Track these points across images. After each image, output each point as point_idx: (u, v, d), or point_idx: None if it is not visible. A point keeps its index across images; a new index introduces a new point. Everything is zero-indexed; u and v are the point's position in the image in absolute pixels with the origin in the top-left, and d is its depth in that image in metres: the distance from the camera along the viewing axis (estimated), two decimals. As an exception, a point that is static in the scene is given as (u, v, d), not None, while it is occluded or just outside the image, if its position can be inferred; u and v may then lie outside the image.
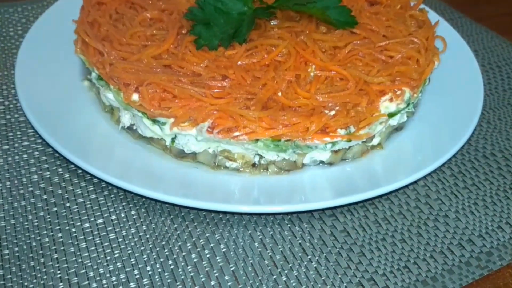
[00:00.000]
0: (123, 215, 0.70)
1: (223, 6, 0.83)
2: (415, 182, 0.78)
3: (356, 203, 0.73)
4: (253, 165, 0.73)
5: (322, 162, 0.74)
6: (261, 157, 0.72)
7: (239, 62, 0.76)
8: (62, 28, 0.93)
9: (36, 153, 0.79)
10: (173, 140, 0.72)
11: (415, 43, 0.82)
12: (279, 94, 0.71)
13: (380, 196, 0.75)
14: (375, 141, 0.77)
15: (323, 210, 0.72)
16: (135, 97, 0.71)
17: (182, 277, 0.64)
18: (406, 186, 0.76)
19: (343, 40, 0.82)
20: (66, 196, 0.73)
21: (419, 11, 0.93)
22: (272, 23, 0.85)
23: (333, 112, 0.70)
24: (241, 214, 0.71)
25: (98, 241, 0.67)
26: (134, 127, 0.76)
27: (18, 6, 1.14)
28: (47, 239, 0.67)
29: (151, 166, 0.71)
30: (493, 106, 0.96)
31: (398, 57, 0.80)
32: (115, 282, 0.63)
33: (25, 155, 0.79)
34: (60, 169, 0.76)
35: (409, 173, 0.73)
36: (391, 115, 0.74)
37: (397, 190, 0.76)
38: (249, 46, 0.79)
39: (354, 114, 0.70)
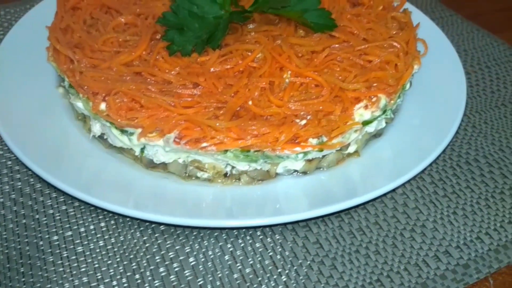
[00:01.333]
0: (92, 227, 0.69)
1: (198, 10, 0.81)
2: (393, 190, 0.76)
3: (331, 213, 0.71)
4: (225, 175, 0.71)
5: (296, 171, 0.73)
6: (232, 167, 0.71)
7: (211, 69, 0.75)
8: (41, 32, 0.91)
9: (9, 162, 0.78)
10: (142, 150, 0.71)
11: (394, 47, 0.80)
12: (250, 103, 0.69)
13: (357, 206, 0.73)
14: (351, 149, 0.75)
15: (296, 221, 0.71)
16: (103, 106, 0.70)
17: (148, 291, 0.63)
18: (384, 194, 0.74)
19: (321, 44, 0.80)
20: (36, 208, 0.72)
21: (403, 12, 0.91)
22: (249, 27, 0.84)
23: (304, 122, 0.68)
24: (212, 226, 0.70)
25: (65, 255, 0.66)
26: (105, 137, 0.75)
27: (1, 9, 1.13)
28: (14, 252, 0.66)
29: (121, 178, 0.70)
30: (479, 109, 0.93)
31: (377, 61, 0.78)
32: (79, 297, 0.62)
33: (-4, 165, 0.78)
34: (31, 179, 0.75)
35: (386, 182, 0.71)
36: (365, 123, 0.72)
37: (374, 199, 0.74)
38: (224, 52, 0.77)
39: (325, 123, 0.68)
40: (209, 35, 0.79)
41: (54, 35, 0.79)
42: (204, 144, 0.65)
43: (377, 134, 0.79)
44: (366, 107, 0.72)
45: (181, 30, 0.78)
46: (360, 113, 0.72)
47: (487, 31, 1.15)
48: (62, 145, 0.75)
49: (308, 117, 0.69)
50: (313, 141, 0.68)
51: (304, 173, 0.73)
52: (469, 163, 0.82)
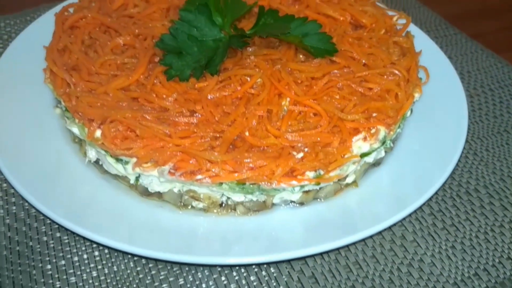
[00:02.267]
0: (85, 256, 0.69)
1: (198, 33, 0.80)
2: (392, 222, 0.75)
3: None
4: (221, 205, 0.71)
5: (292, 201, 0.72)
6: (228, 197, 0.70)
7: (209, 96, 0.74)
8: (39, 49, 0.89)
9: (4, 185, 0.77)
10: (137, 178, 0.70)
11: (395, 75, 0.78)
12: (247, 133, 0.68)
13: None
14: (349, 179, 0.74)
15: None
16: (98, 133, 0.69)
17: (140, 326, 0.62)
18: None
19: (321, 70, 0.78)
20: (30, 234, 0.71)
21: (405, 35, 0.90)
22: (249, 50, 0.82)
23: (301, 154, 0.67)
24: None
25: (58, 285, 0.66)
26: (100, 162, 0.74)
27: (1, 20, 1.12)
28: (7, 281, 0.66)
29: (115, 207, 0.69)
30: (481, 135, 0.92)
31: (377, 90, 0.76)
32: (71, 331, 0.61)
33: (-8, 188, 0.77)
34: (26, 204, 0.75)
35: (386, 216, 0.69)
36: (364, 155, 0.71)
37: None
38: (222, 77, 0.76)
39: (323, 156, 0.67)
40: (208, 59, 0.78)
41: (51, 57, 0.78)
42: (199, 177, 0.65)
43: (376, 163, 0.78)
44: (365, 139, 0.71)
45: (179, 54, 0.77)
46: (359, 145, 0.71)
47: (491, 51, 1.13)
48: (57, 169, 0.74)
49: (306, 149, 0.68)
50: (310, 174, 0.67)
51: (301, 203, 0.72)
52: (469, 193, 0.81)
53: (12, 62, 0.90)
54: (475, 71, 1.07)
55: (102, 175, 0.75)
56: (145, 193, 0.71)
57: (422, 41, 0.98)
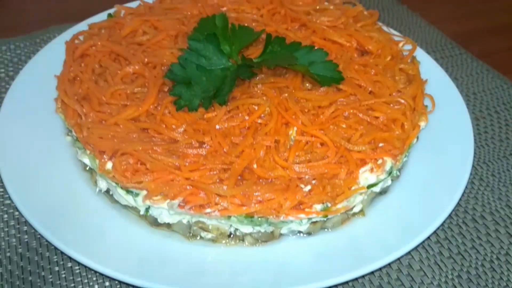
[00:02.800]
0: (96, 286, 0.70)
1: (206, 62, 0.82)
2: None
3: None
4: (229, 235, 0.72)
5: (300, 232, 0.73)
6: (236, 228, 0.71)
7: (217, 126, 0.75)
8: (50, 74, 0.91)
9: (16, 213, 0.79)
10: (147, 210, 0.71)
11: (401, 104, 0.79)
12: (255, 165, 0.69)
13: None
14: (356, 209, 0.75)
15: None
16: (109, 165, 0.70)
17: None
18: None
19: (328, 99, 0.79)
20: (42, 264, 0.72)
21: (411, 61, 0.91)
22: (256, 78, 0.83)
23: (308, 187, 0.68)
24: None
25: (69, 317, 0.67)
26: (111, 192, 0.75)
27: (11, 43, 1.13)
28: (20, 311, 0.67)
29: (124, 238, 0.71)
30: (487, 159, 0.93)
31: (383, 118, 0.77)
32: None
33: (5, 216, 0.79)
34: (38, 233, 0.76)
35: (396, 246, 0.70)
36: (370, 186, 0.72)
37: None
38: (230, 107, 0.77)
39: (330, 189, 0.68)
40: (216, 89, 0.79)
41: (62, 87, 0.80)
42: (208, 210, 0.66)
43: (383, 191, 0.79)
44: (371, 170, 0.72)
45: (188, 84, 0.79)
46: (366, 176, 0.72)
47: (497, 72, 1.14)
48: (67, 199, 0.75)
49: (313, 181, 0.69)
50: (318, 206, 0.68)
51: (309, 233, 0.73)
52: (476, 220, 0.82)
53: (22, 89, 0.91)
54: (481, 93, 1.08)
55: (112, 204, 0.76)
56: (155, 223, 0.72)
57: (428, 64, 0.99)
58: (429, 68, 0.97)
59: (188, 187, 0.67)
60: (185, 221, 0.71)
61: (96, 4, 1.30)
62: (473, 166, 0.90)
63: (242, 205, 0.66)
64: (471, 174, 0.88)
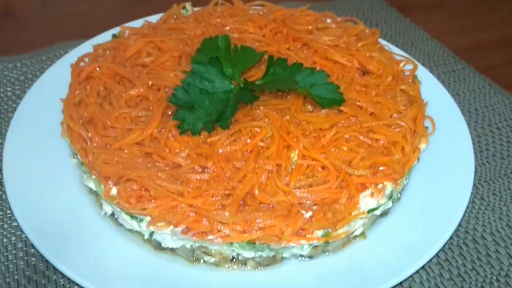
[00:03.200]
0: (102, 310, 0.71)
1: (209, 85, 0.83)
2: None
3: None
4: (232, 259, 0.73)
5: (302, 255, 0.74)
6: (238, 253, 0.72)
7: (220, 150, 0.76)
8: (59, 93, 0.92)
9: (23, 235, 0.80)
10: (151, 234, 0.73)
11: (401, 126, 0.80)
12: (256, 191, 0.70)
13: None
14: (357, 232, 0.76)
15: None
16: (114, 191, 0.72)
17: None
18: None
19: (329, 121, 0.80)
20: (49, 287, 0.74)
21: (412, 81, 0.91)
22: (258, 100, 0.85)
23: (309, 213, 0.69)
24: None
25: None
26: (115, 216, 0.77)
27: (17, 61, 1.15)
28: (27, 335, 0.69)
29: (128, 262, 0.72)
30: (488, 178, 0.93)
31: (383, 141, 0.78)
32: None
33: (13, 238, 0.80)
34: (33, 259, 0.77)
35: (397, 270, 0.71)
36: (371, 211, 0.73)
37: None
38: (233, 131, 0.78)
39: (330, 215, 0.69)
40: (219, 112, 0.80)
41: (68, 112, 0.81)
42: (211, 237, 0.67)
43: (384, 213, 0.80)
44: (372, 194, 0.73)
45: (191, 108, 0.80)
46: (366, 201, 0.73)
47: (500, 87, 1.14)
48: (72, 222, 0.76)
49: (314, 207, 0.70)
50: (319, 232, 0.69)
51: (310, 257, 0.74)
52: (476, 241, 0.82)
53: (29, 110, 0.92)
54: (483, 108, 1.08)
55: (117, 227, 0.77)
56: (159, 247, 0.74)
57: (429, 82, 0.99)
58: (431, 86, 0.98)
59: (191, 214, 0.68)
60: (188, 246, 0.72)
61: (100, 21, 1.33)
62: (474, 185, 0.91)
63: (244, 232, 0.67)
64: (472, 193, 0.89)
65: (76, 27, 1.30)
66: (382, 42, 1.07)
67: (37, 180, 0.82)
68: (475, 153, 0.97)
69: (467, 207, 0.87)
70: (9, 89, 1.08)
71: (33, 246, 0.79)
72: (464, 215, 0.85)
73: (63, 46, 1.19)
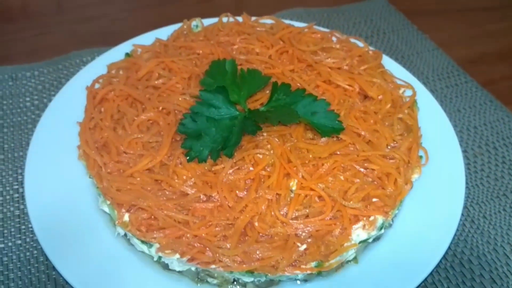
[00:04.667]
0: (114, 324, 0.79)
1: (216, 112, 0.88)
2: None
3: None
4: (233, 281, 0.80)
5: (297, 279, 0.80)
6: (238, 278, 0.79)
7: (224, 179, 0.82)
8: (78, 108, 0.96)
9: (35, 252, 0.87)
10: (160, 257, 0.79)
11: (395, 158, 0.85)
12: (256, 223, 0.76)
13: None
14: (349, 257, 0.82)
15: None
16: (126, 217, 0.78)
17: None
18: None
19: (327, 150, 0.85)
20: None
21: (410, 107, 0.95)
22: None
23: (304, 246, 0.75)
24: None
25: None
26: (128, 237, 0.83)
27: (35, 69, 1.20)
28: None
29: (138, 281, 0.79)
30: (480, 200, 0.98)
31: (377, 171, 0.83)
32: None
33: (35, 252, 0.88)
34: (53, 272, 0.85)
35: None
36: (362, 242, 0.79)
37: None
38: (237, 158, 0.84)
39: (323, 249, 0.75)
40: (224, 139, 0.85)
41: (84, 137, 0.87)
42: (213, 266, 0.74)
43: (376, 239, 0.86)
44: (363, 227, 0.78)
45: (198, 136, 0.85)
46: (358, 233, 0.78)
47: (500, 103, 1.17)
48: (88, 241, 0.83)
49: (309, 239, 0.76)
50: (312, 263, 0.75)
51: (305, 280, 0.81)
52: (462, 264, 0.88)
53: (48, 131, 0.97)
54: (482, 126, 1.12)
55: (129, 246, 0.84)
56: (167, 268, 0.81)
57: (428, 104, 1.03)
58: (430, 109, 1.02)
59: (196, 245, 0.74)
60: (193, 269, 0.79)
61: (114, 25, 1.37)
62: (465, 207, 0.96)
63: (243, 262, 0.73)
64: (463, 215, 0.95)
65: (90, 32, 1.35)
66: (386, 59, 1.10)
67: (56, 198, 0.88)
68: (469, 174, 1.02)
69: (457, 230, 0.92)
70: (28, 99, 1.14)
71: (43, 263, 0.86)
72: (453, 238, 0.91)
73: (79, 55, 1.23)
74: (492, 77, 1.26)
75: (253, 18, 1.14)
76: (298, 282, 0.81)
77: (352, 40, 1.09)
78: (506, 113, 1.14)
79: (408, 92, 0.99)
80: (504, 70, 1.28)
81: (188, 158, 0.84)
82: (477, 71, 1.25)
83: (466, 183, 0.95)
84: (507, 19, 1.43)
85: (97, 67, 1.07)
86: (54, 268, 0.85)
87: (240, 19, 1.13)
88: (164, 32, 1.13)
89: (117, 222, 0.79)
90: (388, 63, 1.09)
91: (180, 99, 0.93)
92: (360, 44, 1.08)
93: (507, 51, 1.34)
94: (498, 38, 1.37)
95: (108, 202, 0.81)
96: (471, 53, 1.32)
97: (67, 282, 0.83)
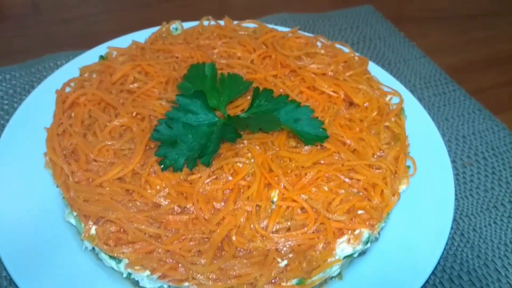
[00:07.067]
0: None
1: (193, 117, 0.83)
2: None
3: None
4: (208, 299, 0.74)
5: (277, 296, 0.75)
6: (215, 295, 0.73)
7: (200, 189, 0.76)
8: (48, 114, 0.91)
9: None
10: (129, 273, 0.74)
11: (382, 168, 0.81)
12: (234, 238, 0.71)
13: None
14: (333, 273, 0.77)
15: None
16: (93, 230, 0.73)
17: None
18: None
19: (311, 159, 0.80)
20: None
21: (397, 115, 0.91)
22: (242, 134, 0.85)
23: (285, 262, 0.70)
24: None
25: None
26: (96, 251, 0.78)
27: (6, 72, 1.15)
28: None
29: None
30: (469, 212, 0.94)
31: (363, 182, 0.79)
32: None
33: (-4, 266, 0.82)
34: None
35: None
36: (346, 257, 0.74)
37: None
38: (215, 167, 0.79)
39: (306, 265, 0.70)
40: (202, 147, 0.80)
41: (51, 144, 0.81)
42: (186, 284, 0.68)
43: (361, 253, 0.81)
44: (348, 241, 0.74)
45: (174, 143, 0.80)
46: (342, 247, 0.73)
47: (489, 112, 1.14)
48: (52, 255, 0.76)
49: (290, 254, 0.71)
50: (293, 280, 0.70)
51: (287, 297, 0.75)
52: (452, 280, 0.84)
53: (14, 138, 0.91)
54: (471, 136, 1.08)
55: (97, 261, 0.78)
56: (137, 285, 0.75)
57: (416, 112, 0.99)
58: (417, 117, 0.98)
59: (168, 261, 0.69)
60: (165, 287, 0.73)
61: (92, 28, 1.31)
62: (455, 220, 0.92)
63: (218, 280, 0.68)
64: (452, 228, 0.90)
65: (67, 35, 1.29)
66: (372, 65, 1.06)
67: (20, 209, 0.82)
68: (458, 184, 0.98)
69: (447, 244, 0.88)
70: (-3, 104, 1.08)
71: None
72: (442, 252, 0.87)
73: (53, 58, 1.18)
74: (480, 85, 1.23)
75: (235, 22, 1.09)
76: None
77: (338, 46, 1.05)
78: (495, 122, 1.11)
79: (395, 100, 0.95)
80: (492, 78, 1.25)
81: (162, 166, 0.78)
82: (465, 80, 1.22)
83: (455, 194, 0.91)
84: (494, 27, 1.41)
85: (70, 70, 1.01)
86: (16, 285, 0.79)
87: (222, 23, 1.09)
88: (142, 35, 1.08)
89: (83, 235, 0.73)
90: (374, 70, 1.05)
91: (156, 104, 0.88)
92: (346, 50, 1.04)
93: (494, 59, 1.31)
94: (486, 46, 1.34)
95: (75, 214, 0.75)
96: (459, 61, 1.30)
97: (29, 300, 0.77)
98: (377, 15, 1.40)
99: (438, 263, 0.85)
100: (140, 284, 0.74)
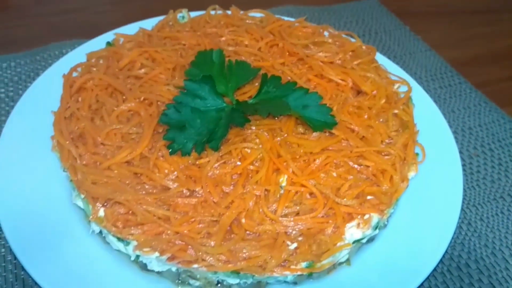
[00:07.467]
0: (86, 329, 0.73)
1: (201, 103, 0.82)
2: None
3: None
4: (217, 283, 0.74)
5: (286, 281, 0.75)
6: (223, 279, 0.73)
7: (209, 173, 0.76)
8: (53, 99, 0.90)
9: (3, 250, 0.81)
10: (137, 256, 0.73)
11: (391, 154, 0.80)
12: (243, 220, 0.71)
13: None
14: (342, 259, 0.76)
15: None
16: (101, 213, 0.72)
17: None
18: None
19: (319, 145, 0.80)
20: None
21: (405, 104, 0.91)
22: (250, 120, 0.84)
23: (294, 245, 0.69)
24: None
25: None
26: (103, 235, 0.77)
27: (11, 60, 1.14)
28: None
29: (114, 282, 0.72)
30: (477, 202, 0.94)
31: (372, 168, 0.78)
32: None
33: (2, 250, 0.81)
34: (22, 272, 0.78)
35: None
36: (356, 241, 0.74)
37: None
38: (223, 152, 0.78)
39: (315, 248, 0.69)
40: (210, 131, 0.79)
41: (58, 127, 0.81)
42: (196, 266, 0.68)
43: (370, 239, 0.81)
44: (358, 225, 0.73)
45: (182, 127, 0.79)
46: (351, 232, 0.73)
47: (495, 105, 1.14)
48: (60, 239, 0.76)
49: (300, 238, 0.70)
50: (303, 263, 0.70)
51: (295, 283, 0.75)
52: (460, 268, 0.83)
53: (20, 121, 0.91)
54: (477, 127, 1.08)
55: (104, 245, 0.78)
56: (145, 268, 0.74)
57: (423, 102, 0.99)
58: (425, 107, 0.98)
59: (177, 242, 0.68)
60: (174, 269, 0.73)
61: (96, 18, 1.31)
62: (462, 209, 0.92)
63: (228, 262, 0.67)
64: (459, 218, 0.90)
65: (71, 25, 1.29)
66: (379, 56, 1.06)
67: (27, 192, 0.81)
68: (465, 175, 0.97)
69: (454, 233, 0.88)
70: (2, 90, 1.08)
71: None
72: (450, 241, 0.86)
73: (58, 46, 1.18)
74: (485, 79, 1.23)
75: (242, 12, 1.09)
76: (287, 284, 0.75)
77: (345, 36, 1.05)
78: (501, 114, 1.11)
79: (403, 89, 0.95)
80: (497, 72, 1.26)
81: (170, 150, 0.78)
82: (470, 73, 1.22)
83: (463, 184, 0.91)
84: (498, 22, 1.41)
85: (76, 57, 1.01)
86: (22, 268, 0.79)
87: (229, 12, 1.08)
88: (149, 24, 1.08)
89: (91, 217, 0.72)
90: (381, 60, 1.05)
91: (163, 89, 0.88)
92: (353, 40, 1.04)
93: (499, 54, 1.31)
94: (490, 41, 1.34)
95: (83, 196, 0.75)
96: (464, 55, 1.30)
97: (36, 283, 0.77)
98: (382, 8, 1.40)
99: (446, 251, 0.85)
100: (148, 267, 0.73)
